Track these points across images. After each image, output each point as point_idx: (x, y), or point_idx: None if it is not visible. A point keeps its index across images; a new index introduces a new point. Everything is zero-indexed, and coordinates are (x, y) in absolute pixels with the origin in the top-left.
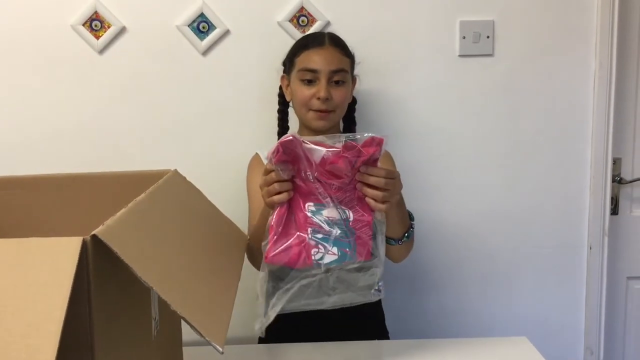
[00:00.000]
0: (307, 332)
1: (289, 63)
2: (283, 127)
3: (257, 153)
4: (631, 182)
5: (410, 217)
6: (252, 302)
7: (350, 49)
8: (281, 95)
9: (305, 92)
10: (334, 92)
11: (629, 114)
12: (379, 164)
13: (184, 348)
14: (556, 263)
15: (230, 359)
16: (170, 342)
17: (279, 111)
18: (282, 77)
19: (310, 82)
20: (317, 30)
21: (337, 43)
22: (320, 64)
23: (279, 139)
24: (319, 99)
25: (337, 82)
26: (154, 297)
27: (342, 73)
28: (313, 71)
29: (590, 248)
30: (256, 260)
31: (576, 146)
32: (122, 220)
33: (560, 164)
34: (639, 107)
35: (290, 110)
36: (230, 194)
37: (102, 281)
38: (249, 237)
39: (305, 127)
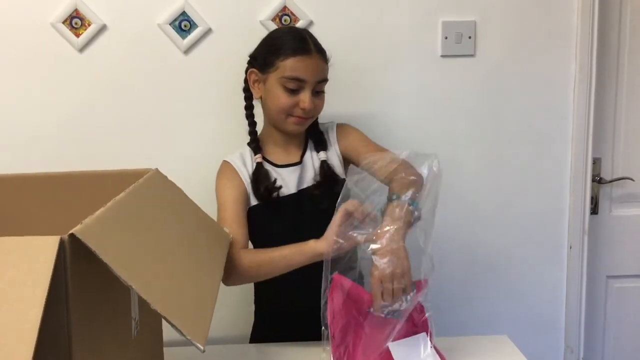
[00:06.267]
0: (296, 331)
1: (264, 61)
2: (253, 125)
3: (224, 161)
4: (611, 181)
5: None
6: (239, 302)
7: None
8: (247, 90)
9: (288, 100)
10: (315, 102)
11: (609, 115)
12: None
13: (165, 348)
14: (537, 262)
15: (216, 359)
16: (150, 342)
17: (247, 107)
18: (252, 72)
19: (293, 91)
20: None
21: (320, 50)
22: (308, 74)
23: (251, 139)
24: (302, 108)
25: (317, 92)
26: (133, 297)
27: (324, 83)
28: (300, 80)
29: (571, 247)
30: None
31: (556, 146)
32: (100, 219)
33: (540, 163)
34: (618, 108)
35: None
36: (212, 193)
37: (80, 280)
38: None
39: (274, 128)
